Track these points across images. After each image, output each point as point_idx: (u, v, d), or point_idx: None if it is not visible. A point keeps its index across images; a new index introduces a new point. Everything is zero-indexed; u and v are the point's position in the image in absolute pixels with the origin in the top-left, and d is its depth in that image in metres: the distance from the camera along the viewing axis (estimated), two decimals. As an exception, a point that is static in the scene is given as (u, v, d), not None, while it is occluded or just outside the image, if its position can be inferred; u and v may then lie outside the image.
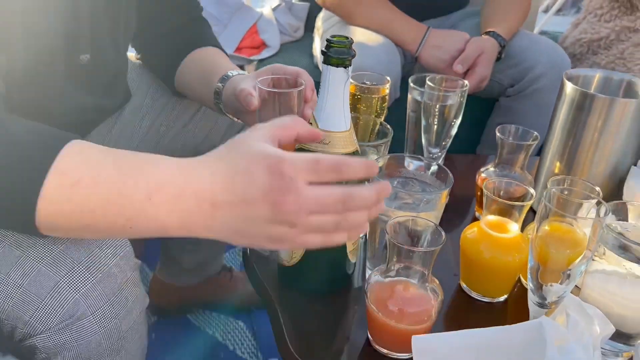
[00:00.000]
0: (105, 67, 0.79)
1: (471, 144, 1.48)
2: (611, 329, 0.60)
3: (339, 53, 0.59)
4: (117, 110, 0.89)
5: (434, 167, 0.71)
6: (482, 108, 1.42)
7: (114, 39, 0.78)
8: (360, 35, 1.26)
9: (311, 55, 1.59)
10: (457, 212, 0.91)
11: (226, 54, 0.90)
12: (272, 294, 0.70)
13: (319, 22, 1.51)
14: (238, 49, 1.64)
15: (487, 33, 1.27)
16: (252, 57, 1.61)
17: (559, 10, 3.53)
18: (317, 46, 1.49)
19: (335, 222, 0.47)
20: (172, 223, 0.48)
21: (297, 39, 1.75)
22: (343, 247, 0.68)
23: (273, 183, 0.46)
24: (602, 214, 0.58)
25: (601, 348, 0.62)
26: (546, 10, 3.73)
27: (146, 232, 0.49)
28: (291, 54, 1.65)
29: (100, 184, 0.48)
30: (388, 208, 0.65)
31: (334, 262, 0.71)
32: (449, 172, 0.68)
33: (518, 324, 0.53)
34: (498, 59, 1.27)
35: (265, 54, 1.63)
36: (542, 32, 3.30)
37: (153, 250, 1.26)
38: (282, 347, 0.65)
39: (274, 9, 1.76)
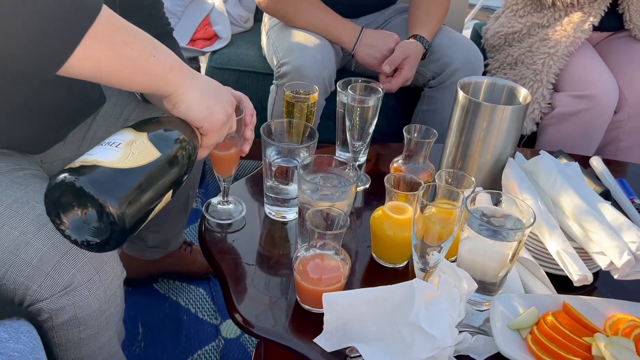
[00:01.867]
0: None
1: (402, 126, 1.68)
2: (475, 286, 0.81)
3: None
4: (93, 113, 1.03)
5: (350, 165, 0.89)
6: (410, 96, 1.61)
7: None
8: (298, 37, 1.42)
9: (259, 47, 1.74)
10: (376, 196, 1.11)
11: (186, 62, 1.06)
12: (222, 264, 0.88)
13: (265, 18, 1.66)
14: (192, 41, 1.77)
15: (414, 36, 1.45)
16: (205, 49, 1.75)
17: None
18: (264, 39, 1.65)
19: None
20: (177, 69, 0.73)
21: (247, 29, 1.89)
22: (161, 193, 0.70)
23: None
24: (464, 202, 0.79)
25: (468, 300, 0.84)
26: (489, -14, 3.91)
27: (161, 66, 0.71)
28: (241, 45, 1.79)
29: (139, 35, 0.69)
30: (311, 199, 0.84)
31: (147, 196, 0.67)
32: (358, 171, 0.87)
33: (398, 283, 0.74)
34: (423, 58, 1.46)
35: (217, 45, 1.77)
36: (484, 7, 3.50)
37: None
38: (230, 308, 0.84)
39: (225, 1, 1.89)
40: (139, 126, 0.70)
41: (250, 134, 0.92)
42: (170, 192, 0.71)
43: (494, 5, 3.62)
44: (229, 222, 0.98)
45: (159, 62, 0.70)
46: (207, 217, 0.97)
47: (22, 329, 0.66)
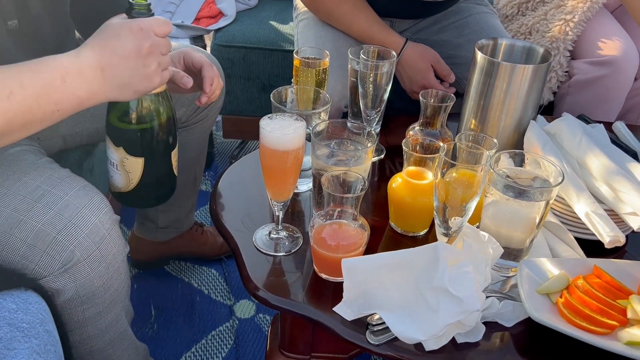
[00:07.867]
0: (40, 34, 0.83)
1: (414, 101, 1.63)
2: (501, 250, 0.77)
3: (138, 14, 0.69)
4: None
5: (366, 131, 0.86)
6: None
7: (44, 4, 0.82)
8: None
9: (264, 23, 1.70)
10: (393, 164, 1.07)
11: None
12: (237, 238, 0.85)
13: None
14: (196, 20, 1.74)
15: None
16: (209, 27, 1.71)
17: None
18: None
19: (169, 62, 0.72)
20: (83, 95, 0.65)
21: (252, 7, 1.85)
22: (170, 165, 0.81)
23: (136, 36, 0.65)
24: (488, 161, 0.75)
25: (494, 266, 0.80)
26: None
27: (69, 110, 0.65)
28: (246, 22, 1.75)
29: (27, 88, 0.61)
30: (326, 164, 0.80)
31: (165, 179, 0.82)
32: (374, 134, 0.83)
33: (421, 246, 0.70)
34: None
35: (222, 22, 1.73)
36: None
37: (130, 210, 1.39)
38: (245, 280, 0.81)
39: (229, -22, 1.84)
40: (112, 135, 0.75)
41: (204, 100, 0.86)
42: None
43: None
44: (282, 254, 0.84)
45: (65, 111, 0.65)
46: (256, 246, 0.84)
47: (30, 299, 0.63)
